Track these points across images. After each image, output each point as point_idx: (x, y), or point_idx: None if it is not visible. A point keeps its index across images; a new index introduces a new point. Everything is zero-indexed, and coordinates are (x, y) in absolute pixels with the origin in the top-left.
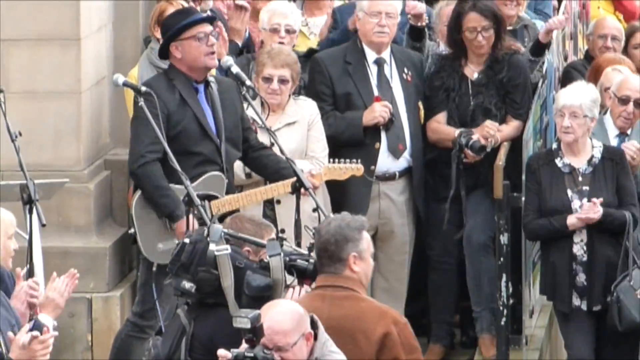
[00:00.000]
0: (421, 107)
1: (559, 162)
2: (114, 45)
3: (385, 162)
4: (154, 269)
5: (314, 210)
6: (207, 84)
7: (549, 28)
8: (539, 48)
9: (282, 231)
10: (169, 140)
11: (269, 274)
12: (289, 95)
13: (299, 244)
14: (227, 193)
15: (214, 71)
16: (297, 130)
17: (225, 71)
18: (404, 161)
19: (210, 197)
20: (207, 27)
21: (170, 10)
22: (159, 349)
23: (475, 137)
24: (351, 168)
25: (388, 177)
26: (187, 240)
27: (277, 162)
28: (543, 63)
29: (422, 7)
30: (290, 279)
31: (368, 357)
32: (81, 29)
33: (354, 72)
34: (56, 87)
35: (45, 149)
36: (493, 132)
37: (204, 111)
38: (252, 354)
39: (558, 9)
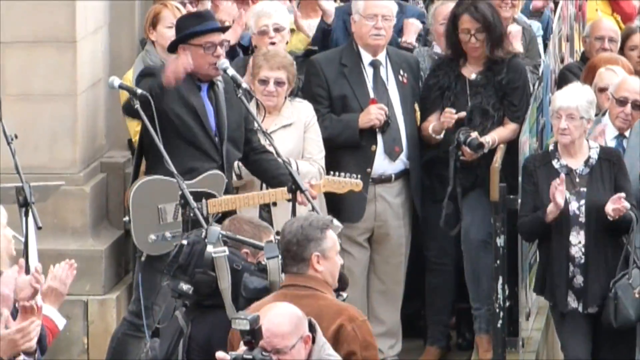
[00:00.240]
0: (417, 109)
1: (555, 164)
2: (109, 47)
3: (382, 164)
4: (143, 258)
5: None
6: (211, 83)
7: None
8: None
9: (278, 233)
10: (168, 130)
11: (267, 277)
12: (285, 97)
13: None
14: (226, 193)
15: None
16: (293, 132)
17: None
18: (400, 163)
19: (209, 196)
20: (217, 37)
21: (165, 12)
22: (156, 351)
23: (473, 134)
24: (350, 183)
25: (384, 180)
26: (184, 242)
27: (277, 167)
28: (539, 65)
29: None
30: None
31: None
32: (77, 31)
33: (350, 74)
34: (52, 89)
35: (41, 151)
36: (450, 119)
37: (205, 107)
38: (250, 356)
39: (554, 11)
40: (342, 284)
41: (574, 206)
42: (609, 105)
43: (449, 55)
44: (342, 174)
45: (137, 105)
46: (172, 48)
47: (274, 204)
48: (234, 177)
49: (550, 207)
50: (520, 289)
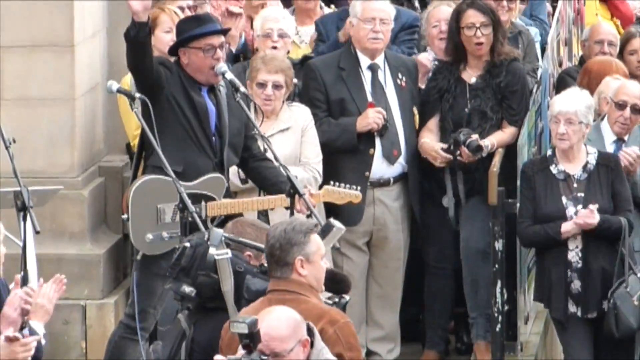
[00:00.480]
0: (416, 112)
1: (553, 169)
2: (108, 51)
3: (380, 168)
4: (138, 257)
5: (308, 216)
6: (212, 87)
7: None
8: None
9: None
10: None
11: (269, 279)
12: (283, 102)
13: None
14: (224, 197)
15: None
16: (291, 136)
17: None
18: (398, 167)
19: (208, 198)
20: (217, 40)
21: (163, 17)
22: (159, 354)
23: (474, 137)
24: (349, 194)
25: (382, 183)
26: (187, 244)
27: (276, 175)
28: (537, 69)
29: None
30: None
31: None
32: (75, 35)
33: (348, 78)
34: (50, 93)
35: (39, 155)
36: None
37: (207, 107)
38: None
39: (553, 14)
40: (345, 287)
41: (571, 211)
42: (608, 110)
43: (449, 60)
44: (342, 184)
45: (136, 110)
46: (173, 51)
47: (272, 207)
48: (239, 182)
49: (569, 229)
50: (519, 293)
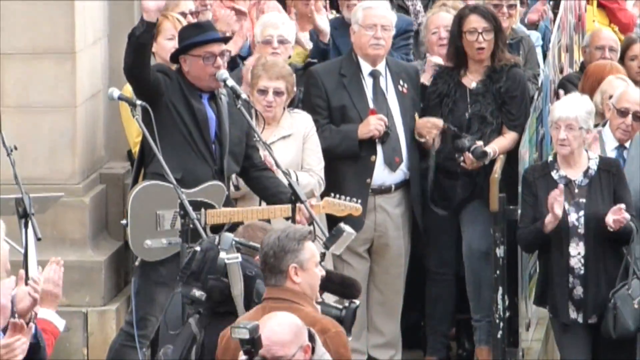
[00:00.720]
0: (417, 119)
1: (554, 175)
2: (109, 58)
3: (381, 175)
4: (136, 263)
5: (310, 223)
6: (212, 95)
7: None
8: None
9: None
10: (170, 124)
11: None
12: (284, 108)
13: None
14: (225, 205)
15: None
16: (292, 143)
17: None
18: (400, 174)
19: (208, 206)
20: (217, 48)
21: (166, 24)
22: (169, 357)
23: (479, 143)
24: (350, 207)
25: (384, 190)
26: (197, 248)
27: (277, 185)
28: (538, 75)
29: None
30: None
31: None
32: (76, 42)
33: (349, 84)
34: (51, 100)
35: (40, 162)
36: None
37: (207, 114)
38: None
39: (554, 21)
40: (355, 291)
41: (573, 217)
42: (610, 116)
43: (450, 65)
44: (343, 197)
45: (137, 117)
46: (174, 59)
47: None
48: (232, 188)
49: (549, 218)
50: (520, 299)
